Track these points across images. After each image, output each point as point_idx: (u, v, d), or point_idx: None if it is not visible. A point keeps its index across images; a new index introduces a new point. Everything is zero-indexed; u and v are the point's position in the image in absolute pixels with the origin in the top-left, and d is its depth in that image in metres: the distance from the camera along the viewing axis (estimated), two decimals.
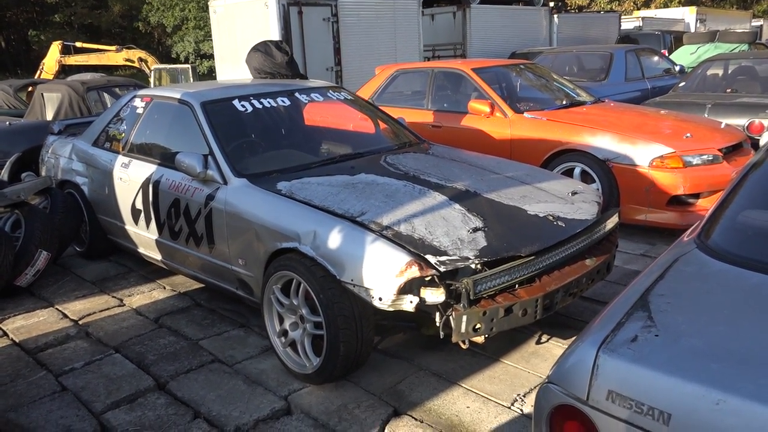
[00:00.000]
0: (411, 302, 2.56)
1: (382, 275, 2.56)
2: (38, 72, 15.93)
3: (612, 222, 3.27)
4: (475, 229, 2.79)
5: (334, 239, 2.74)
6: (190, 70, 17.50)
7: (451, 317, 2.56)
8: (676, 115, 5.62)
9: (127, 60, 20.13)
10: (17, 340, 3.50)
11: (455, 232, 2.76)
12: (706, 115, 6.01)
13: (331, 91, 4.34)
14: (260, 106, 3.86)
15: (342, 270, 2.67)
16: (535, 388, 2.86)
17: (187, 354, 3.26)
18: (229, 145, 3.55)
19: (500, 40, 13.55)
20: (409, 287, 2.56)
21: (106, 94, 7.28)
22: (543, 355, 3.13)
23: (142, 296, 4.06)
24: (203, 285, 3.97)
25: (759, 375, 1.14)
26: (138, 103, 4.27)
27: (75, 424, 2.69)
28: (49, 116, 6.78)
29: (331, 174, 3.36)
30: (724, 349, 1.24)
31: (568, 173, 4.97)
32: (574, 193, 3.34)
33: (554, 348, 3.20)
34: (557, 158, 5.04)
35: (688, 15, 20.28)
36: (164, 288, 4.19)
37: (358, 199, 3.01)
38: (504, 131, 5.40)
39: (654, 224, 4.71)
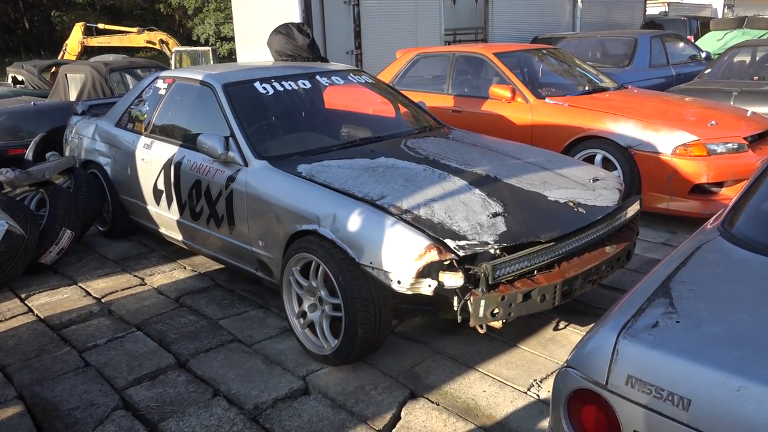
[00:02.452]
0: (429, 286, 2.57)
1: (401, 259, 2.57)
2: (61, 53, 16.09)
3: (633, 209, 3.24)
4: (495, 214, 2.78)
5: (354, 222, 2.75)
6: (211, 53, 17.57)
7: (469, 302, 2.56)
8: (701, 102, 5.53)
9: (149, 42, 20.24)
10: (42, 317, 3.57)
11: (475, 216, 2.76)
12: (731, 103, 5.91)
13: (351, 74, 4.33)
14: (281, 89, 3.86)
15: (361, 253, 2.68)
16: (551, 373, 2.86)
17: (207, 333, 3.31)
18: (250, 127, 3.56)
19: (522, 24, 13.37)
20: (428, 271, 2.56)
21: (128, 76, 7.34)
22: (560, 342, 3.13)
23: (163, 276, 4.12)
24: (223, 266, 4.02)
25: None
26: (160, 84, 4.30)
27: (98, 399, 2.75)
28: (73, 97, 6.85)
29: (352, 157, 3.37)
30: (746, 336, 1.24)
31: (590, 160, 4.93)
32: (595, 180, 3.31)
33: (571, 335, 3.19)
34: (578, 145, 5.00)
35: (715, 0, 19.87)
36: (185, 268, 4.24)
37: (378, 182, 3.01)
38: (525, 117, 5.35)
39: (676, 213, 4.66)
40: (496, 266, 2.54)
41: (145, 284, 4.00)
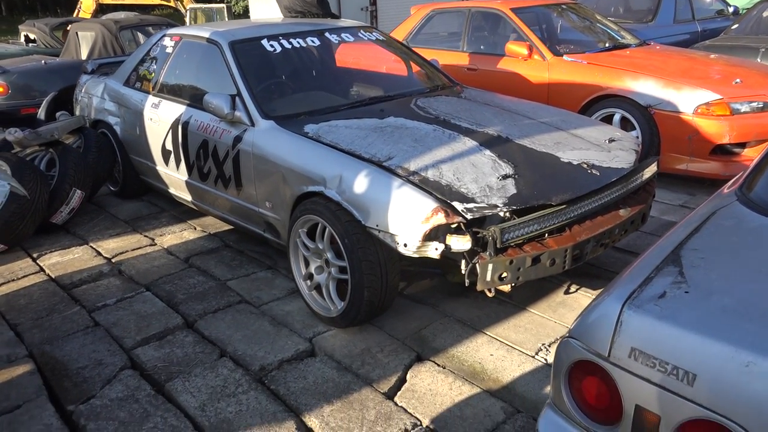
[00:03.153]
0: (436, 249, 2.52)
1: (408, 221, 2.52)
2: (76, 11, 15.92)
3: (650, 171, 3.14)
4: (505, 176, 2.71)
5: (360, 184, 2.69)
6: (225, 10, 17.31)
7: (477, 265, 2.51)
8: (726, 59, 5.31)
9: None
10: (53, 276, 3.60)
11: (484, 178, 2.68)
12: (758, 60, 5.68)
13: (362, 31, 4.21)
14: (289, 47, 3.76)
15: (367, 215, 2.63)
16: (560, 337, 2.82)
17: (215, 294, 3.31)
18: (257, 86, 3.49)
19: None
20: (435, 234, 2.51)
21: (139, 34, 7.24)
22: (570, 305, 3.08)
23: (173, 236, 4.12)
24: (232, 227, 4.00)
25: None
26: (167, 42, 4.22)
27: (106, 359, 2.77)
28: (84, 55, 6.79)
29: (360, 117, 3.29)
30: (759, 308, 1.17)
31: (608, 119, 4.79)
32: (611, 141, 3.20)
33: (582, 298, 3.14)
34: (597, 104, 4.85)
35: None
36: (194, 228, 4.24)
37: (386, 143, 2.94)
38: (542, 75, 5.20)
39: (695, 174, 4.53)
40: (505, 230, 2.47)
41: (155, 244, 4.00)
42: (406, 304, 3.16)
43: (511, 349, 2.75)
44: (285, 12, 4.69)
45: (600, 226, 2.76)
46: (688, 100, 4.41)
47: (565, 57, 5.18)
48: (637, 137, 3.43)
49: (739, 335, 1.11)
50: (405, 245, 2.54)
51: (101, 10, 17.17)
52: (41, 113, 5.72)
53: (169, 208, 4.62)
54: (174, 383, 2.58)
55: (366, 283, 2.68)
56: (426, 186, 2.61)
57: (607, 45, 5.60)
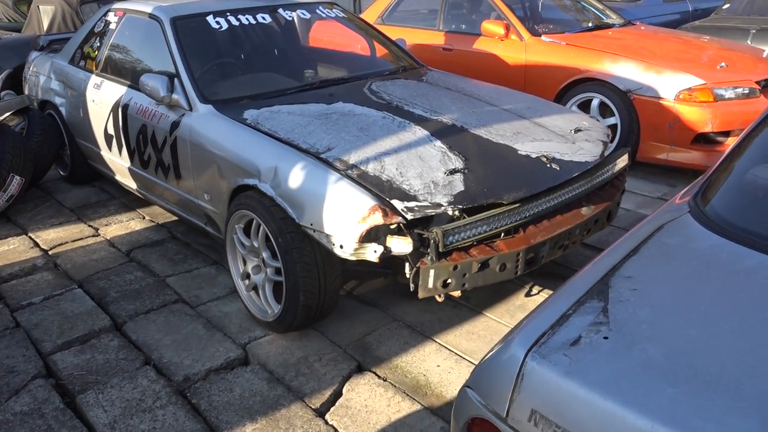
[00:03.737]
0: (375, 252, 2.28)
1: (343, 221, 2.27)
2: None
3: (619, 164, 2.89)
4: (453, 171, 2.46)
5: (295, 178, 2.45)
6: None
7: (418, 270, 2.28)
8: (714, 41, 5.04)
9: None
10: None
11: (430, 173, 2.44)
12: (748, 42, 5.41)
13: (321, 7, 3.92)
14: (237, 24, 3.48)
15: (302, 213, 2.39)
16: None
17: (151, 292, 3.08)
18: (198, 68, 3.22)
19: None
20: (375, 235, 2.27)
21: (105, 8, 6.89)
22: (530, 309, 2.85)
23: (119, 226, 3.87)
24: None
25: (727, 410, 0.84)
26: (111, 17, 3.93)
27: (19, 365, 2.55)
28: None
29: (306, 102, 3.03)
30: (690, 365, 0.94)
31: (586, 105, 4.53)
32: (577, 131, 2.95)
33: None
34: (575, 88, 4.58)
35: None
36: (143, 218, 3.99)
37: (328, 132, 2.68)
38: (519, 56, 4.92)
39: (676, 164, 4.29)
40: (448, 231, 2.24)
41: (98, 235, 3.76)
42: (353, 306, 2.93)
43: (460, 360, 2.53)
44: None
45: (558, 226, 2.52)
46: (670, 85, 4.15)
47: (543, 37, 4.89)
48: (608, 127, 3.17)
49: (659, 403, 0.88)
50: (341, 247, 2.30)
51: None
52: None
53: (119, 195, 4.36)
54: (87, 395, 2.36)
55: (302, 287, 2.45)
56: (364, 181, 2.36)
57: (589, 25, 5.31)
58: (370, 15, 6.18)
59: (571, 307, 1.09)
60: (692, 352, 0.96)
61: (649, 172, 4.43)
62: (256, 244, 2.66)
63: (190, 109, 3.03)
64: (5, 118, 4.26)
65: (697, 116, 4.08)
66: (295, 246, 2.43)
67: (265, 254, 2.63)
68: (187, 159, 3.03)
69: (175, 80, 3.11)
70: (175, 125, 3.07)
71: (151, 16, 3.49)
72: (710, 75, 4.15)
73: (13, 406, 2.32)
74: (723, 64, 4.29)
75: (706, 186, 1.45)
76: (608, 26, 5.29)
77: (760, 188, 1.45)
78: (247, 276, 2.80)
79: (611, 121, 4.40)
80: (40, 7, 6.65)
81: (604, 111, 4.47)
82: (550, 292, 2.97)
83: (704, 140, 4.17)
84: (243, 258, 2.81)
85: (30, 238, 3.74)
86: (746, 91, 4.16)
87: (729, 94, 4.12)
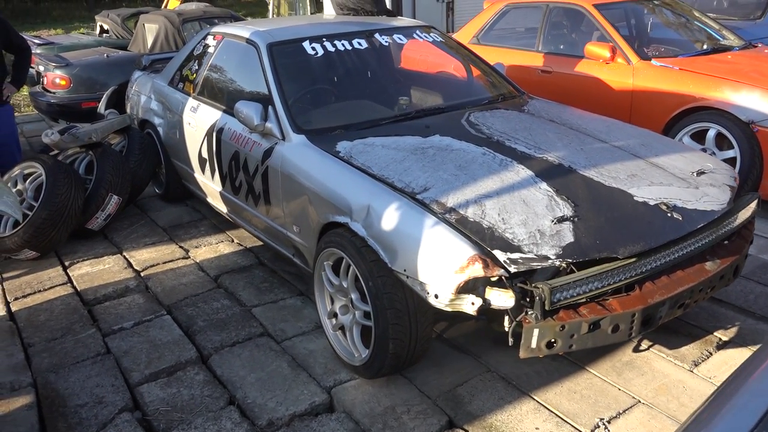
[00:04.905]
0: (473, 304, 2.11)
1: (440, 269, 2.12)
2: (164, 1, 16.11)
3: (747, 212, 2.58)
4: (562, 219, 2.25)
5: (389, 219, 2.31)
6: None
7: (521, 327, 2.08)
8: None
9: None
10: (78, 289, 3.43)
11: (535, 221, 2.23)
12: None
13: (418, 31, 3.80)
14: (333, 50, 3.41)
15: (395, 257, 2.25)
16: (624, 411, 2.35)
17: (237, 323, 3.03)
18: (292, 95, 3.16)
19: None
20: (473, 285, 2.10)
21: (207, 26, 7.10)
22: (640, 368, 2.58)
23: (208, 249, 3.88)
24: None
25: None
26: (210, 41, 3.97)
27: (108, 396, 2.54)
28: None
29: (401, 134, 2.90)
30: None
31: (700, 136, 4.17)
32: (700, 173, 2.66)
33: (655, 360, 2.63)
34: (688, 116, 4.22)
35: None
36: (231, 241, 3.99)
37: (425, 169, 2.54)
38: (625, 81, 4.60)
39: None
40: (556, 288, 2.03)
41: (188, 257, 3.78)
42: (443, 351, 2.76)
43: (562, 423, 2.31)
44: (337, 9, 4.33)
45: (679, 283, 2.25)
46: None
47: (653, 61, 4.55)
48: (733, 170, 2.85)
49: None
50: (436, 296, 2.14)
51: None
52: (101, 107, 5.65)
53: (209, 216, 4.40)
54: None
55: (392, 334, 2.31)
56: (464, 228, 2.20)
57: (704, 47, 4.91)
58: (465, 34, 6.01)
59: None
60: None
61: None
62: (345, 285, 2.55)
63: (283, 139, 2.97)
64: (108, 137, 4.40)
65: None
66: (387, 291, 2.29)
67: (353, 295, 2.51)
68: (277, 189, 2.97)
69: (269, 108, 3.06)
70: (267, 154, 3.02)
71: (249, 41, 3.48)
72: None
73: None
74: None
75: None
76: (726, 49, 4.87)
77: None
78: (335, 315, 2.69)
79: (729, 154, 4.02)
80: (146, 25, 6.92)
81: (721, 143, 4.09)
82: (662, 347, 2.69)
83: None
84: (330, 296, 2.70)
85: (124, 257, 3.82)
86: None
87: None
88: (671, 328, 2.81)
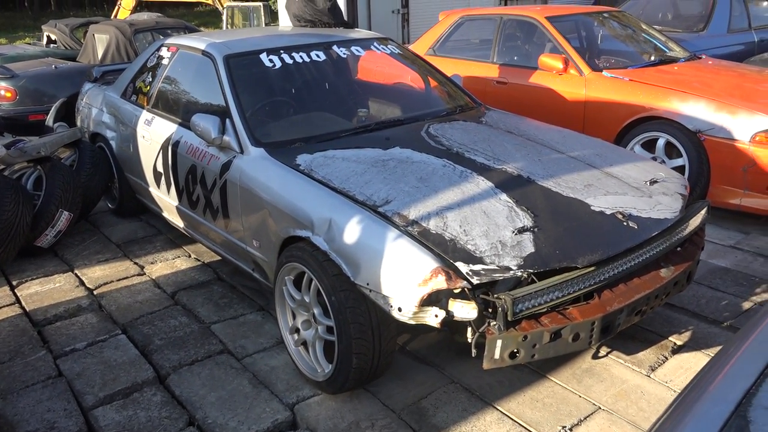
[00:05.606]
0: (436, 316, 2.11)
1: (403, 282, 2.11)
2: (116, 9, 15.82)
3: (698, 219, 2.66)
4: (522, 230, 2.27)
5: (351, 232, 2.30)
6: (262, 8, 17.08)
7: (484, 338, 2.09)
8: None
9: None
10: (28, 309, 3.30)
11: (497, 232, 2.25)
12: None
13: (375, 43, 3.81)
14: (291, 62, 3.39)
15: (357, 271, 2.24)
16: (585, 418, 2.38)
17: (196, 341, 2.96)
18: (250, 108, 3.13)
19: None
20: (436, 298, 2.10)
21: (160, 37, 6.97)
22: (599, 375, 2.63)
23: (165, 264, 3.79)
24: None
25: None
26: (164, 53, 3.89)
27: (60, 421, 2.44)
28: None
29: (362, 146, 2.89)
30: None
31: (650, 144, 4.29)
32: (653, 182, 2.73)
33: (613, 366, 2.68)
34: (639, 126, 4.35)
35: None
36: (188, 256, 3.90)
37: (386, 182, 2.53)
38: (578, 92, 4.71)
39: (750, 210, 4.00)
40: (518, 299, 2.05)
41: (144, 274, 3.68)
42: (407, 363, 2.75)
43: None
44: (294, 21, 4.31)
45: (636, 291, 2.30)
46: (745, 126, 3.88)
47: (604, 72, 4.68)
48: (683, 178, 2.94)
49: None
50: (399, 309, 2.13)
51: (143, 6, 17.04)
52: (49, 120, 5.49)
53: (165, 230, 4.30)
54: None
55: (355, 349, 2.28)
56: (426, 240, 2.20)
57: (653, 59, 5.07)
58: (421, 45, 6.06)
59: None
60: None
61: (720, 217, 4.15)
62: (307, 299, 2.52)
63: (242, 152, 2.93)
64: (57, 151, 4.26)
65: None
66: (349, 305, 2.27)
67: (316, 310, 2.48)
68: (236, 203, 2.92)
69: (227, 121, 3.02)
70: (225, 167, 2.97)
71: (204, 53, 3.43)
72: None
73: None
74: None
75: None
76: (673, 60, 5.05)
77: None
78: (297, 330, 2.65)
79: (678, 162, 4.15)
80: (96, 35, 6.76)
81: (670, 151, 4.22)
82: (620, 354, 2.74)
83: None
84: (292, 311, 2.67)
85: (76, 275, 3.69)
86: None
87: None
88: (628, 334, 2.87)
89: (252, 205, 2.81)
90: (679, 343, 2.80)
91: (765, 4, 8.08)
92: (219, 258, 3.78)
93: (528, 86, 5.02)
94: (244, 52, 3.37)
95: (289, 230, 2.55)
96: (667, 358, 2.70)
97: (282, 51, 3.42)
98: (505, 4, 11.48)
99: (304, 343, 2.63)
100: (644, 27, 5.64)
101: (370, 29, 9.09)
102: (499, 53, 5.45)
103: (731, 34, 7.00)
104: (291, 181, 2.64)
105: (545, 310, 2.15)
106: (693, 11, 7.44)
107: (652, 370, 2.62)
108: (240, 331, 3.03)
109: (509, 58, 5.42)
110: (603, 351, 2.79)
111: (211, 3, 19.62)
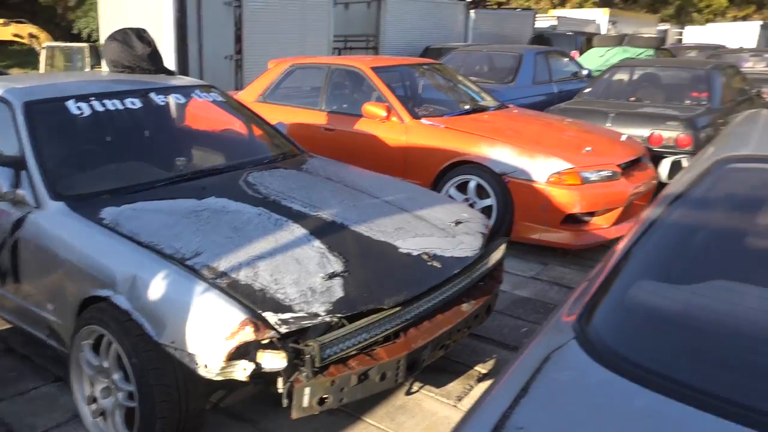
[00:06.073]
0: (245, 369, 2.08)
1: (209, 337, 2.06)
2: None
3: (497, 255, 2.90)
4: (332, 275, 2.33)
5: (156, 288, 2.20)
6: (87, 50, 16.18)
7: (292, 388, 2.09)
8: (579, 125, 5.39)
9: (16, 35, 18.45)
10: None
11: (307, 279, 2.29)
12: (609, 125, 5.83)
13: (197, 90, 3.76)
14: (102, 109, 3.21)
15: (161, 329, 2.14)
16: None
17: None
18: (52, 159, 2.91)
19: (415, 33, 13.20)
20: (244, 351, 2.07)
21: None
22: (411, 410, 2.71)
23: None
24: None
25: None
26: None
27: None
28: None
29: (176, 197, 2.81)
30: None
31: (464, 186, 4.63)
32: (458, 223, 2.94)
33: (424, 400, 2.79)
34: (453, 170, 4.67)
35: (600, 16, 20.70)
36: None
37: (197, 233, 2.48)
38: (399, 138, 4.98)
39: (548, 243, 4.44)
40: (325, 344, 2.08)
41: None
42: (219, 421, 2.64)
43: None
44: (111, 66, 4.11)
45: (439, 326, 2.44)
46: (542, 169, 4.33)
47: (423, 120, 5.00)
48: (485, 219, 3.19)
49: None
50: (206, 366, 2.07)
51: None
52: None
53: None
54: None
55: (159, 413, 2.16)
56: (235, 291, 2.17)
57: (467, 107, 5.52)
58: (251, 92, 6.08)
59: None
60: None
61: (523, 251, 4.54)
62: (105, 365, 2.35)
63: (38, 207, 2.71)
64: None
65: (567, 198, 4.26)
66: (153, 367, 2.16)
67: (116, 376, 2.32)
68: (29, 263, 2.68)
69: (23, 173, 2.79)
70: (17, 224, 2.73)
71: (2, 99, 3.16)
72: (577, 159, 4.38)
73: None
74: (588, 148, 4.56)
75: (590, 307, 1.40)
76: (484, 109, 5.52)
77: (641, 309, 1.42)
78: (94, 399, 2.45)
79: (487, 202, 4.51)
80: None
81: (481, 192, 4.58)
82: (431, 388, 2.86)
83: (572, 220, 4.35)
84: (90, 379, 2.46)
85: None
86: (609, 174, 4.42)
87: (594, 177, 4.36)
88: (439, 366, 3.01)
89: (48, 264, 2.59)
90: (483, 371, 3.00)
91: (564, 60, 9.17)
92: (9, 326, 3.40)
93: (354, 133, 5.21)
94: (48, 98, 3.15)
95: (88, 290, 2.38)
96: (472, 387, 2.87)
97: (92, 98, 3.23)
98: (340, 54, 11.92)
99: (103, 413, 2.44)
100: (460, 78, 6.14)
101: (201, 76, 8.96)
102: (327, 101, 5.62)
103: (536, 86, 7.84)
104: (93, 237, 2.49)
105: (354, 352, 2.20)
106: (504, 65, 8.25)
107: (459, 400, 2.77)
108: (29, 408, 2.72)
109: (337, 106, 5.61)
110: (416, 386, 2.89)
111: (28, 42, 18.26)
